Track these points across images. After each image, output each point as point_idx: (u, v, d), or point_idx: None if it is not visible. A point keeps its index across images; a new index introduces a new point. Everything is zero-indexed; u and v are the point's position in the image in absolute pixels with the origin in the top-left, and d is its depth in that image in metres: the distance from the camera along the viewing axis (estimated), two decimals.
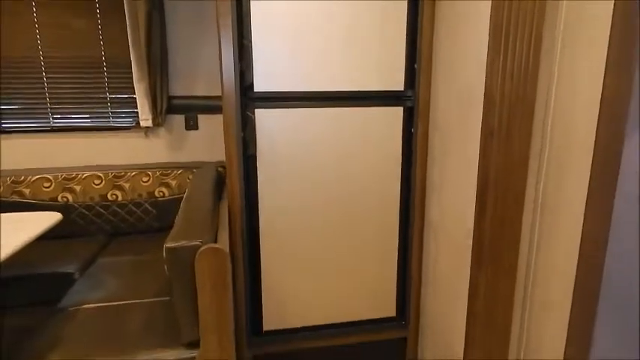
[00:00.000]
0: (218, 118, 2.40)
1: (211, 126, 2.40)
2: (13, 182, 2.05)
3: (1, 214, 1.69)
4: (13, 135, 2.18)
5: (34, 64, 2.15)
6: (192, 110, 2.37)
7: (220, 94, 2.30)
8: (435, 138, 1.72)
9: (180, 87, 2.34)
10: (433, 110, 1.73)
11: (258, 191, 1.74)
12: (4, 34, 2.09)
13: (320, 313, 1.90)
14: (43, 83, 2.18)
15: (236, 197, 1.70)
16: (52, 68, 2.17)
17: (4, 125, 2.17)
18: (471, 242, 1.44)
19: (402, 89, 1.71)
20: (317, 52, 1.66)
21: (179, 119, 2.36)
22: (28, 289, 1.74)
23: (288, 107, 1.70)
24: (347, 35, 1.65)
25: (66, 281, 1.74)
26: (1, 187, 2.04)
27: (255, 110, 1.69)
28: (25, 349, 1.31)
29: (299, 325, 1.89)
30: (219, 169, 2.25)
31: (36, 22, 2.11)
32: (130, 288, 1.65)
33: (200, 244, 1.23)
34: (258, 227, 1.77)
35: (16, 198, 2.05)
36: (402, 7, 1.65)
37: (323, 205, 1.80)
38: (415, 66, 1.70)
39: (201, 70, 2.35)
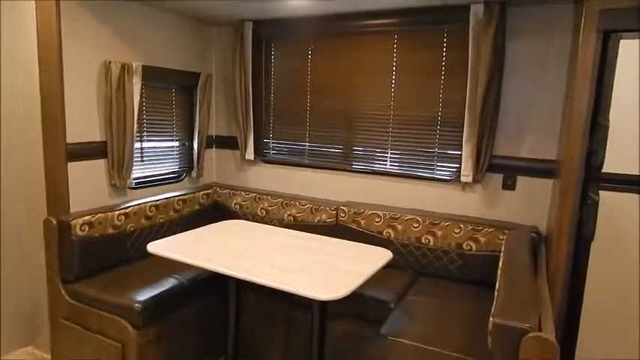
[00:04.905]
0: (537, 182, 2.32)
1: (529, 188, 2.35)
2: (354, 213, 2.58)
3: (349, 241, 2.17)
4: (361, 175, 2.74)
5: (386, 119, 2.64)
6: (511, 170, 2.38)
7: (545, 158, 2.26)
8: None
9: (503, 146, 2.39)
10: None
11: (587, 278, 1.60)
12: (370, 95, 2.65)
13: None
14: (388, 135, 2.64)
15: (559, 281, 1.62)
16: (397, 124, 2.61)
17: (354, 167, 2.76)
18: None
19: None
20: None
21: (497, 177, 2.42)
22: (354, 305, 2.13)
23: None
24: None
25: (384, 308, 2.05)
26: (346, 215, 2.59)
27: (600, 192, 1.56)
28: (352, 354, 1.62)
29: None
30: (532, 234, 2.18)
31: (393, 85, 2.59)
32: (438, 334, 1.80)
33: (528, 329, 1.24)
34: (579, 318, 1.63)
35: (354, 226, 2.57)
36: None
37: None
38: None
39: (528, 132, 2.33)
